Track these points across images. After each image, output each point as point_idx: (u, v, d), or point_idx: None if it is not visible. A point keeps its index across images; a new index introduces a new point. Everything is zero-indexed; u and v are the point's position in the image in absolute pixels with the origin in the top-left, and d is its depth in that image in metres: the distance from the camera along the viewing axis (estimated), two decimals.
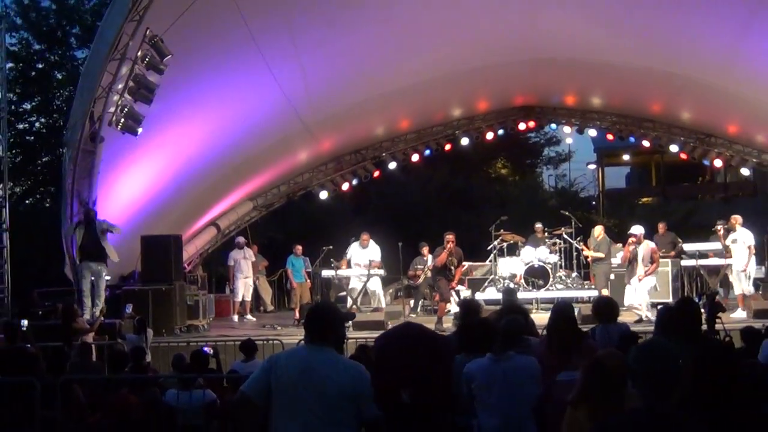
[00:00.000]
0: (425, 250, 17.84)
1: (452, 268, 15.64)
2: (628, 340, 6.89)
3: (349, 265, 17.28)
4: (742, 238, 15.70)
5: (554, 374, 6.04)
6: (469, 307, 8.20)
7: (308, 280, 18.81)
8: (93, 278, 14.20)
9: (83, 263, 14.03)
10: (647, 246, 15.49)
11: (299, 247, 19.31)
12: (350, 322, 15.00)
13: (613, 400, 4.44)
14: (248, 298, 18.84)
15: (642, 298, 15.10)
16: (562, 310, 6.93)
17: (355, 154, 22.00)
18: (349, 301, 16.94)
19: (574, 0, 15.04)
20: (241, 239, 19.40)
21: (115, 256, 14.33)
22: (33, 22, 28.44)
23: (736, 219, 15.93)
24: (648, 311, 14.79)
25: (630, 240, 15.55)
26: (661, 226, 18.84)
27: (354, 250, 17.20)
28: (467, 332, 6.67)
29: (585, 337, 6.96)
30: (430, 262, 17.70)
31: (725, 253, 16.35)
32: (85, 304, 13.90)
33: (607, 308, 8.01)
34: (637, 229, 15.62)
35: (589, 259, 17.15)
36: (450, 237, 15.57)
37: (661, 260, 17.35)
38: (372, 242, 17.26)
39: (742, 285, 15.60)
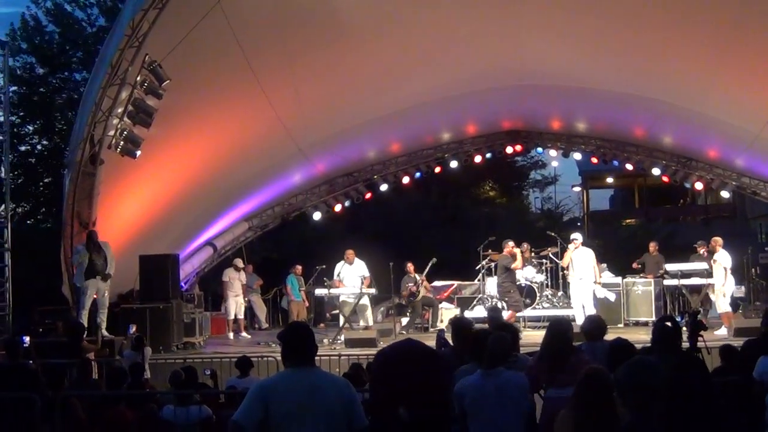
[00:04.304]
0: (411, 268, 18.24)
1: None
2: (621, 351, 6.84)
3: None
4: (720, 260, 15.98)
5: (546, 390, 6.33)
6: (460, 325, 8.24)
7: (306, 300, 19.23)
8: (97, 296, 14.57)
9: (89, 280, 14.40)
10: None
11: (299, 267, 19.68)
12: (342, 338, 15.53)
13: (604, 414, 4.53)
14: (241, 316, 18.94)
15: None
16: (558, 327, 7.08)
17: (348, 177, 22.22)
18: (342, 320, 17.01)
19: (559, 30, 15.22)
20: (239, 261, 19.47)
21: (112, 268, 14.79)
22: (37, 45, 28.65)
23: (716, 241, 16.19)
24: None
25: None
26: (652, 246, 19.06)
27: (342, 269, 17.23)
28: (476, 344, 6.75)
29: (575, 351, 7.04)
30: (420, 277, 18.16)
31: (708, 273, 16.51)
32: (81, 317, 14.25)
33: (596, 327, 8.21)
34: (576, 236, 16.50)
35: None
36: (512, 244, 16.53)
37: (644, 279, 17.93)
38: (357, 259, 17.35)
39: (721, 304, 15.90)
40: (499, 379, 6.08)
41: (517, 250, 16.33)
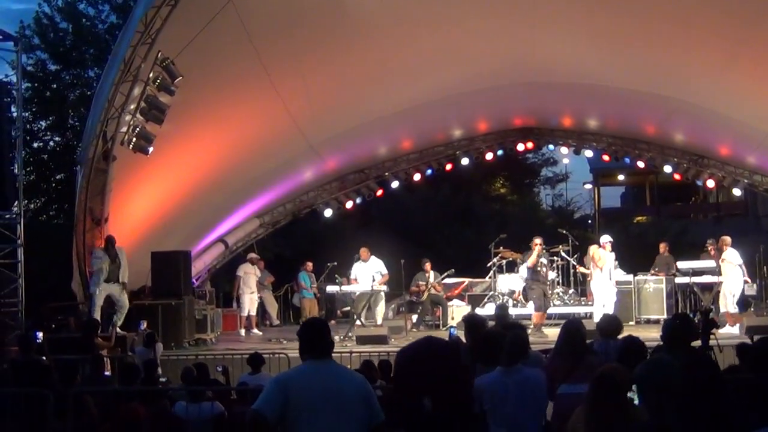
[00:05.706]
0: (427, 266, 18.20)
1: (544, 270, 16.10)
2: (635, 353, 6.82)
3: (349, 281, 17.38)
4: (729, 258, 16.03)
5: (559, 386, 6.30)
6: (474, 322, 8.19)
7: (317, 296, 19.29)
8: (113, 295, 14.71)
9: (103, 285, 14.54)
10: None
11: (310, 264, 19.72)
12: (353, 335, 15.55)
13: (616, 414, 4.52)
14: (253, 313, 18.95)
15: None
16: (572, 327, 7.08)
17: (359, 174, 22.24)
18: (354, 316, 16.97)
19: (570, 27, 15.21)
20: (253, 255, 19.57)
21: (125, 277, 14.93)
22: (50, 42, 28.64)
23: (724, 240, 16.25)
24: None
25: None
26: (662, 246, 19.04)
27: (357, 268, 17.25)
28: (485, 344, 6.75)
29: (587, 351, 7.08)
30: (432, 279, 18.11)
31: (719, 271, 16.54)
32: (94, 314, 14.37)
33: (611, 325, 8.26)
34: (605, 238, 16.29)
35: (588, 278, 17.50)
36: (538, 241, 16.01)
37: (655, 277, 17.89)
38: (373, 256, 17.30)
39: (727, 303, 15.96)
40: (519, 376, 6.10)
41: (537, 247, 16.23)
